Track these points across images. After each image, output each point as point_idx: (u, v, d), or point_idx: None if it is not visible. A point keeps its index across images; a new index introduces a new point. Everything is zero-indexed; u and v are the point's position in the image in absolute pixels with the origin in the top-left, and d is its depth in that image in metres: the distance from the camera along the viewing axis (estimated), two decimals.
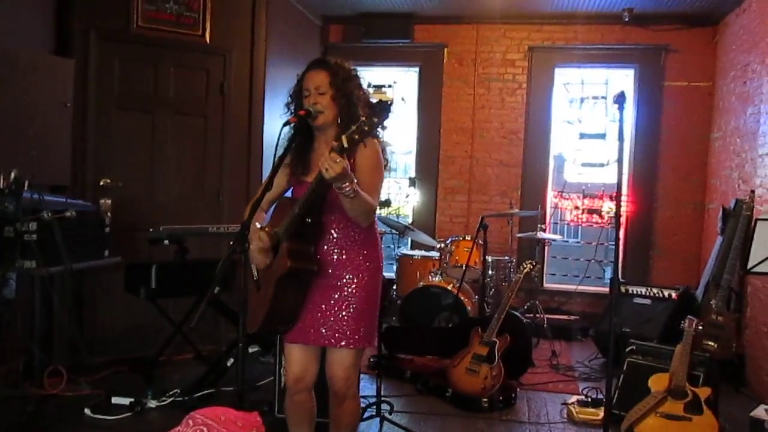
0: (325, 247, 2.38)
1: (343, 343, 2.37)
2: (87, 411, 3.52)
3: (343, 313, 2.37)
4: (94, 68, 4.51)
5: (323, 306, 2.38)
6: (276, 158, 2.31)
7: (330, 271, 2.38)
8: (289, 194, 2.51)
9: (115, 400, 3.65)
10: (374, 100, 2.06)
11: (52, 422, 3.37)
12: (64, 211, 3.56)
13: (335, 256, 2.39)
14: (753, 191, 4.62)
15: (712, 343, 4.19)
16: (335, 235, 2.38)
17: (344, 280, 2.38)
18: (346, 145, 2.01)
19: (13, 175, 3.38)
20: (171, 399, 3.73)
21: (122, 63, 4.64)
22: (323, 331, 2.37)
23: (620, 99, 2.72)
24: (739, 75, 5.40)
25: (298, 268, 2.26)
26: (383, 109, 1.99)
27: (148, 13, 4.62)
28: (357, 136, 2.00)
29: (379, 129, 2.08)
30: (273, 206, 2.55)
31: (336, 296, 2.38)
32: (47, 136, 4.11)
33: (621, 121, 2.75)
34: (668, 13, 6.16)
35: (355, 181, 2.13)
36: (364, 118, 2.00)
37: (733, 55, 5.61)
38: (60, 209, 3.54)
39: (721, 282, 4.41)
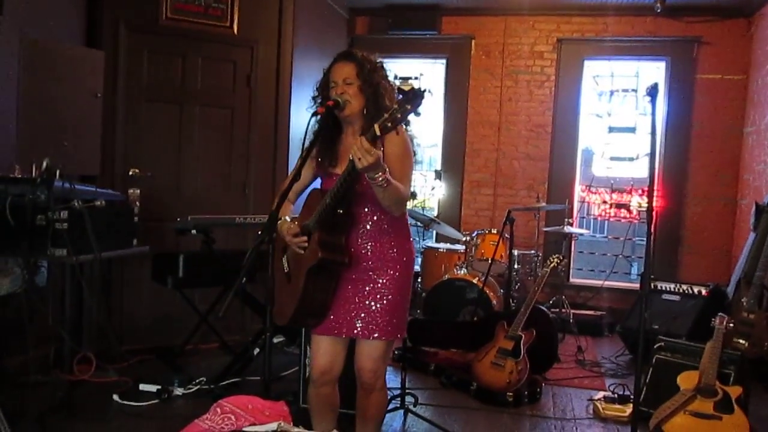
0: (358, 239, 2.37)
1: (375, 335, 2.36)
2: (115, 397, 3.58)
3: (376, 305, 2.36)
4: (124, 60, 4.56)
5: (356, 298, 2.37)
6: (303, 149, 2.30)
7: (362, 263, 2.36)
8: (317, 186, 2.50)
9: (142, 387, 3.70)
10: (406, 89, 2.01)
11: (82, 407, 3.43)
12: (94, 201, 3.60)
13: (368, 248, 2.37)
14: None
15: (743, 341, 4.12)
16: (368, 227, 2.37)
17: (377, 272, 2.37)
18: (378, 133, 1.97)
19: (45, 164, 3.42)
20: (197, 387, 3.77)
21: (151, 54, 4.68)
22: (356, 323, 2.36)
23: (653, 91, 2.67)
24: None
25: (328, 260, 2.25)
26: (416, 95, 1.94)
27: (176, 5, 4.65)
28: (390, 124, 1.96)
29: (411, 116, 2.00)
30: (298, 197, 2.55)
31: (368, 288, 2.37)
32: (78, 126, 4.17)
33: (653, 114, 2.70)
34: (701, 5, 6.03)
35: (387, 170, 2.10)
36: (396, 106, 1.96)
37: None
38: (90, 198, 3.58)
39: (753, 279, 4.32)
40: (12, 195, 3.38)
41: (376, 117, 2.30)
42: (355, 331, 2.37)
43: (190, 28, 4.71)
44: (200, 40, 4.78)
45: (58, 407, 3.36)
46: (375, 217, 2.37)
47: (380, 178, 2.08)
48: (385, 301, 2.36)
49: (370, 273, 2.37)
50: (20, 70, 3.79)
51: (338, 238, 2.30)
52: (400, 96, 1.96)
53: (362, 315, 2.36)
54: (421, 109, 1.96)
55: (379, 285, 2.37)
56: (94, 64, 4.26)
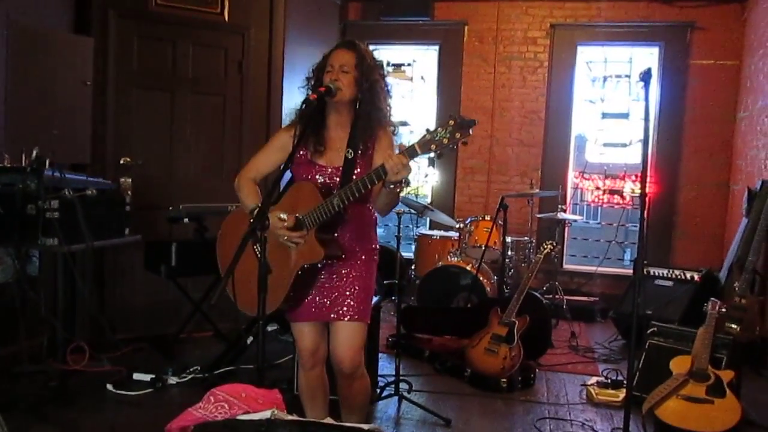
0: (339, 230, 2.40)
1: (356, 317, 2.40)
2: (109, 386, 3.57)
3: (351, 288, 2.41)
4: (113, 47, 4.51)
5: (331, 284, 2.42)
6: (296, 136, 2.29)
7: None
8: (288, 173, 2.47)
9: (136, 376, 3.70)
10: (457, 116, 2.00)
11: (75, 397, 3.42)
12: (85, 190, 3.57)
13: (345, 238, 2.41)
14: None
15: (735, 326, 4.13)
16: (346, 219, 2.40)
17: (353, 259, 2.42)
18: (419, 152, 2.04)
19: (34, 153, 3.39)
20: (191, 376, 3.77)
21: (141, 41, 4.64)
22: (332, 308, 2.41)
23: (646, 77, 2.65)
24: None
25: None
26: (467, 125, 1.98)
27: None
28: (433, 146, 2.01)
29: (453, 146, 2.01)
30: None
31: (344, 274, 2.42)
32: (68, 114, 4.13)
33: (646, 99, 2.69)
34: None
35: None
36: (441, 129, 1.98)
37: (762, 32, 5.47)
38: (81, 187, 3.56)
39: (746, 264, 4.33)
40: (1, 184, 3.36)
41: (372, 114, 2.35)
42: (332, 315, 2.41)
43: (181, 14, 4.66)
44: (191, 27, 4.73)
45: (52, 397, 3.35)
46: (356, 210, 2.41)
47: (398, 189, 2.15)
48: (357, 286, 2.41)
49: (348, 261, 2.41)
50: (8, 57, 3.75)
51: (332, 234, 2.36)
52: (451, 121, 1.98)
53: (340, 300, 2.40)
54: (467, 138, 1.99)
55: (354, 271, 2.42)
56: (84, 51, 4.22)
